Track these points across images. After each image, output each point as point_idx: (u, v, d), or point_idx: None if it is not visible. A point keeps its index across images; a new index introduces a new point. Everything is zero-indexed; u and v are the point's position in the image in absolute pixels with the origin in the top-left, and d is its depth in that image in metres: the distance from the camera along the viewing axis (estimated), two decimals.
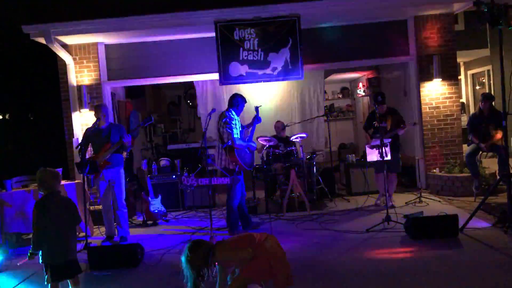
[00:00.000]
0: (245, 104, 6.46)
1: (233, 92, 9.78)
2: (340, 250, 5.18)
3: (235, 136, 6.04)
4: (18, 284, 4.84)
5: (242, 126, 6.45)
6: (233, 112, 6.27)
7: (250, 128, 6.53)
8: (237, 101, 6.34)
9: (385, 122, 6.90)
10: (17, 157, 12.88)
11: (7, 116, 15.98)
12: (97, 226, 6.89)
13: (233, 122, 6.12)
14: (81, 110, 8.09)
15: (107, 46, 8.26)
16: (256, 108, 6.60)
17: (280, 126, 8.30)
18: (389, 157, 6.60)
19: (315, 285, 4.21)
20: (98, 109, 6.23)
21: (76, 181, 6.81)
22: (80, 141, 6.25)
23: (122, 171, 6.29)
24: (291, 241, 5.64)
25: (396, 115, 7.05)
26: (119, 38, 8.11)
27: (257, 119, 6.51)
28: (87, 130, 6.34)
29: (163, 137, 11.94)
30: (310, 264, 4.76)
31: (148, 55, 8.31)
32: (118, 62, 8.32)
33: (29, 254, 3.71)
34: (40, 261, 3.71)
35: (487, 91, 10.82)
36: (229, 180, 5.94)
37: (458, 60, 9.32)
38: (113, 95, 8.67)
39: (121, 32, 7.79)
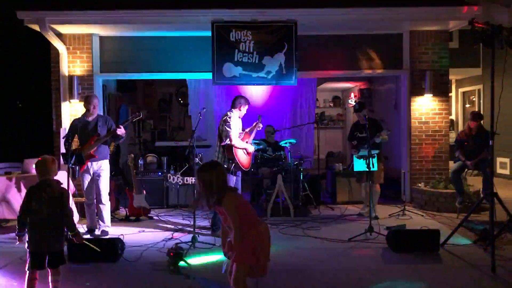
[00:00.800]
0: (247, 108, 6.49)
1: (226, 93, 9.81)
2: (322, 258, 5.18)
3: (233, 134, 6.08)
4: None
5: (243, 129, 6.49)
6: (234, 112, 6.31)
7: (251, 133, 6.59)
8: (240, 103, 6.37)
9: (365, 132, 6.93)
10: (3, 144, 12.71)
11: None
12: (79, 219, 6.81)
13: (233, 121, 6.17)
14: (71, 101, 8.01)
15: (101, 38, 8.20)
16: (259, 117, 6.74)
17: (270, 131, 8.31)
18: (375, 168, 6.64)
19: None
20: (88, 100, 6.18)
21: (61, 171, 6.73)
22: (67, 131, 6.20)
23: (107, 164, 6.24)
24: (274, 246, 5.62)
25: (376, 125, 7.10)
26: (114, 31, 8.06)
27: (258, 126, 6.60)
28: (75, 120, 6.28)
29: (152, 133, 11.88)
30: (292, 271, 4.75)
31: (143, 50, 8.26)
32: (111, 54, 8.26)
33: (17, 236, 3.78)
34: (26, 246, 3.76)
35: (476, 110, 10.94)
36: None
37: (450, 77, 9.42)
38: (104, 87, 8.61)
39: (117, 25, 7.74)
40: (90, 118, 6.15)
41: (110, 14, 7.48)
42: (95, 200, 6.23)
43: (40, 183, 3.85)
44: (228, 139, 6.10)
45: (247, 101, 6.47)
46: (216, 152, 6.33)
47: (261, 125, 6.61)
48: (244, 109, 6.41)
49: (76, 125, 6.16)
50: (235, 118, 6.29)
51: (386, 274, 4.66)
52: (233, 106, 6.40)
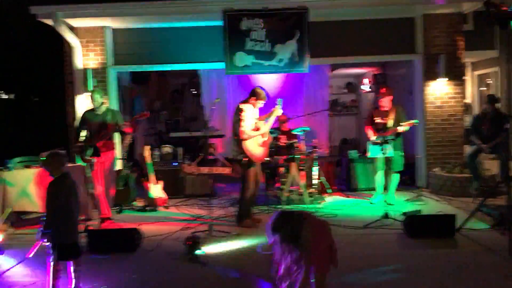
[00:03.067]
0: (262, 102, 6.16)
1: (238, 82, 9.80)
2: (338, 245, 5.17)
3: (243, 128, 5.92)
4: (18, 263, 4.88)
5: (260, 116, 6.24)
6: (249, 104, 6.09)
7: (267, 120, 6.25)
8: (256, 94, 6.09)
9: (386, 119, 6.88)
10: (20, 138, 12.91)
11: (11, 96, 16.01)
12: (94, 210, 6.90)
13: (244, 114, 5.96)
14: (86, 94, 8.08)
15: (114, 31, 8.25)
16: (279, 101, 6.31)
17: (284, 119, 8.28)
18: (391, 154, 6.60)
19: None
20: (91, 96, 6.36)
21: (76, 164, 6.82)
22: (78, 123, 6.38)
23: (113, 155, 6.45)
24: None
25: (398, 112, 7.03)
26: (126, 23, 8.09)
27: (276, 111, 6.24)
28: (85, 112, 6.49)
29: (166, 124, 11.96)
30: None
31: (155, 41, 8.29)
32: (124, 47, 8.31)
33: (40, 234, 3.77)
34: (47, 240, 3.76)
35: (492, 93, 10.78)
36: (230, 171, 5.93)
37: (466, 60, 9.28)
38: (118, 80, 8.66)
39: (129, 17, 7.78)
40: (98, 112, 6.32)
41: (122, 6, 7.52)
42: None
43: (60, 177, 3.89)
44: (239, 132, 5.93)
45: (262, 95, 6.10)
46: (232, 145, 6.23)
47: (280, 110, 6.26)
48: (258, 103, 6.12)
49: (86, 117, 6.35)
50: (249, 109, 6.05)
51: (403, 259, 4.67)
52: (249, 97, 6.14)
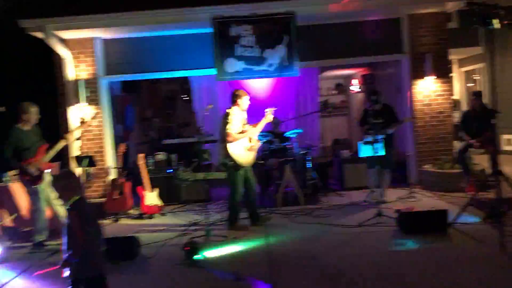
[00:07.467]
0: (247, 98, 6.26)
1: (229, 88, 9.88)
2: (334, 244, 5.29)
3: (229, 131, 5.97)
4: (16, 276, 4.92)
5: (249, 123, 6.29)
6: (233, 108, 6.17)
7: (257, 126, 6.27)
8: (237, 96, 6.19)
9: (380, 119, 6.98)
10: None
11: (2, 109, 15.96)
12: None
13: (230, 117, 6.05)
14: (78, 105, 8.12)
15: (104, 41, 8.30)
16: (269, 110, 6.28)
17: (275, 122, 8.37)
18: (382, 153, 6.71)
19: (309, 278, 4.33)
20: (24, 109, 5.95)
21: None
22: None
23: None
24: (286, 234, 5.75)
25: (391, 112, 7.16)
26: (116, 33, 8.14)
27: (267, 118, 6.24)
28: (16, 129, 5.87)
29: (159, 132, 12.00)
30: (305, 257, 4.86)
31: (145, 50, 8.35)
32: (115, 57, 8.36)
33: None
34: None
35: (478, 89, 10.95)
36: (226, 175, 6.00)
37: (452, 57, 9.42)
38: (110, 89, 8.70)
39: (118, 28, 7.83)
40: (27, 128, 5.90)
41: (112, 16, 7.54)
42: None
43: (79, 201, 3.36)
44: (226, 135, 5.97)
45: (244, 93, 6.23)
46: (219, 149, 6.26)
47: (271, 117, 6.27)
48: (243, 102, 6.19)
49: (18, 134, 5.81)
50: (236, 113, 6.12)
51: (398, 256, 4.77)
52: (231, 101, 6.23)
